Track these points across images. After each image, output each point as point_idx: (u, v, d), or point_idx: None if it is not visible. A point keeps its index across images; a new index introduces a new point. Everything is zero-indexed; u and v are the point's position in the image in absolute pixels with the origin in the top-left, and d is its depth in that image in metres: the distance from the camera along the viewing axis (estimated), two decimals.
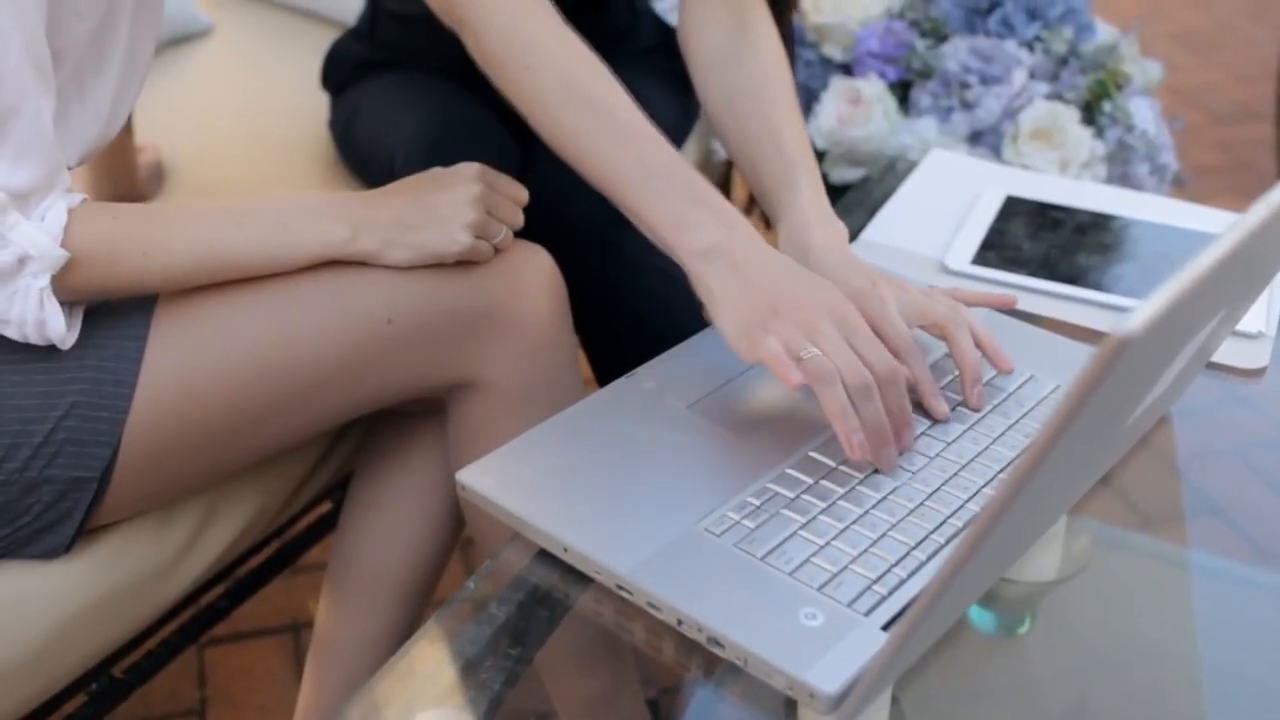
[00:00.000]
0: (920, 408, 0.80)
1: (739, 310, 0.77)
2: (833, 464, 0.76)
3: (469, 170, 0.89)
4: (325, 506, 1.18)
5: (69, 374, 0.80)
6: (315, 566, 1.52)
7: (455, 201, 0.86)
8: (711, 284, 0.79)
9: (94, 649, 0.88)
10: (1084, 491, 0.76)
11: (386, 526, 1.00)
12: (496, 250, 0.89)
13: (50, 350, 0.80)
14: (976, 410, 0.81)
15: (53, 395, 0.79)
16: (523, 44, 0.85)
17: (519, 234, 0.93)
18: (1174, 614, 0.76)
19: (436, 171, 0.89)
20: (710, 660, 0.66)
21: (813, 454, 0.77)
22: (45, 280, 0.76)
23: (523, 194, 0.91)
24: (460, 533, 1.05)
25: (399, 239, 0.85)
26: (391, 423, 1.03)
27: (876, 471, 0.75)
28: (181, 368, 0.82)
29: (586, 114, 0.84)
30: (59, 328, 0.78)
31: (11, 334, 0.78)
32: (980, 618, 0.74)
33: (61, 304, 0.78)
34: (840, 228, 0.91)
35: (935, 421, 0.80)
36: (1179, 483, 0.85)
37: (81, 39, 0.80)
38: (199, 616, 1.06)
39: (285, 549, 1.15)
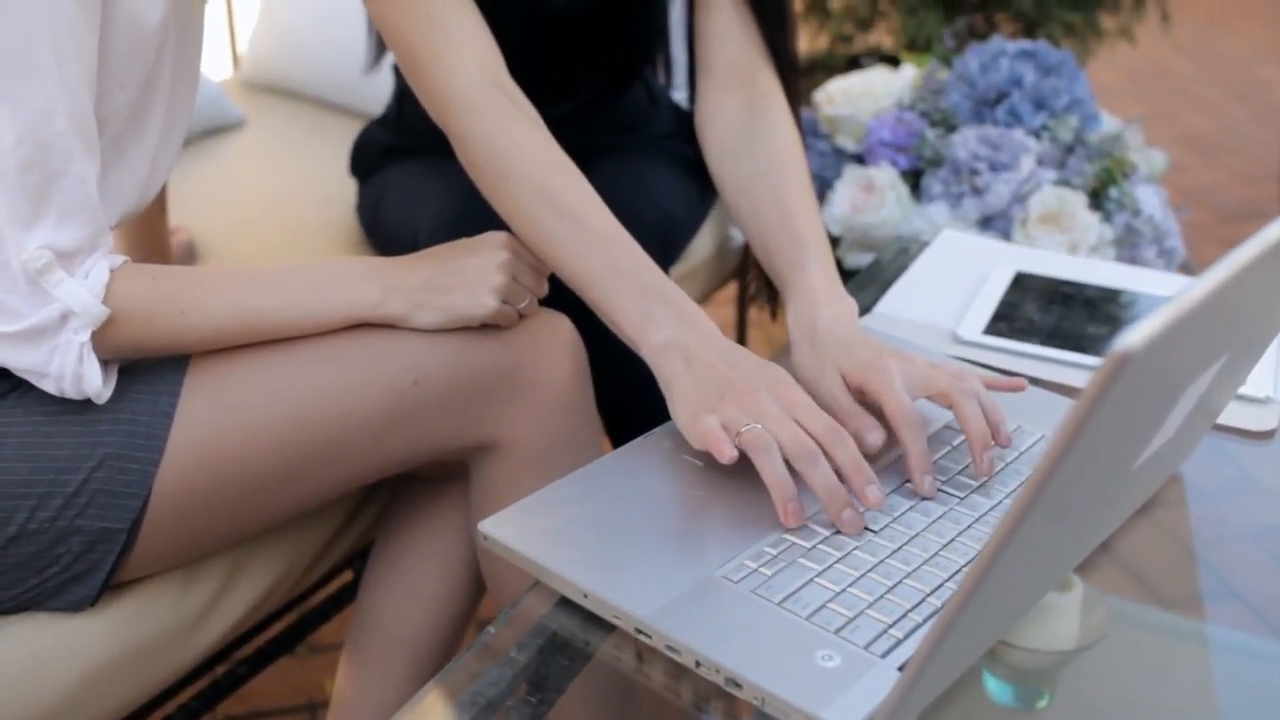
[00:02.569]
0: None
1: (690, 399, 0.81)
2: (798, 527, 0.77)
3: (496, 238, 0.92)
4: (346, 577, 1.19)
5: (103, 426, 0.82)
6: (332, 647, 1.53)
7: (483, 267, 0.89)
8: (668, 377, 0.83)
9: (115, 706, 0.89)
10: (1096, 542, 0.77)
11: (407, 589, 1.01)
12: (521, 316, 0.92)
13: (85, 403, 0.82)
14: (986, 475, 0.82)
15: (86, 446, 0.81)
16: (500, 155, 0.91)
17: (542, 302, 0.96)
18: (1195, 689, 0.76)
19: (465, 240, 0.93)
20: (728, 702, 0.67)
21: None
22: (86, 336, 0.79)
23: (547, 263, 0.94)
24: (480, 599, 1.05)
25: (428, 301, 0.88)
26: (414, 488, 1.04)
27: (867, 531, 0.76)
28: (212, 423, 0.84)
29: (559, 219, 0.89)
30: (95, 382, 0.80)
31: (49, 388, 0.80)
32: (999, 690, 0.75)
33: (98, 361, 0.80)
34: (850, 305, 0.93)
35: (921, 498, 0.80)
36: (1194, 563, 0.85)
37: (123, 106, 0.83)
38: (218, 682, 1.07)
39: (306, 618, 1.15)
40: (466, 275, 0.89)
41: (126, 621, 0.88)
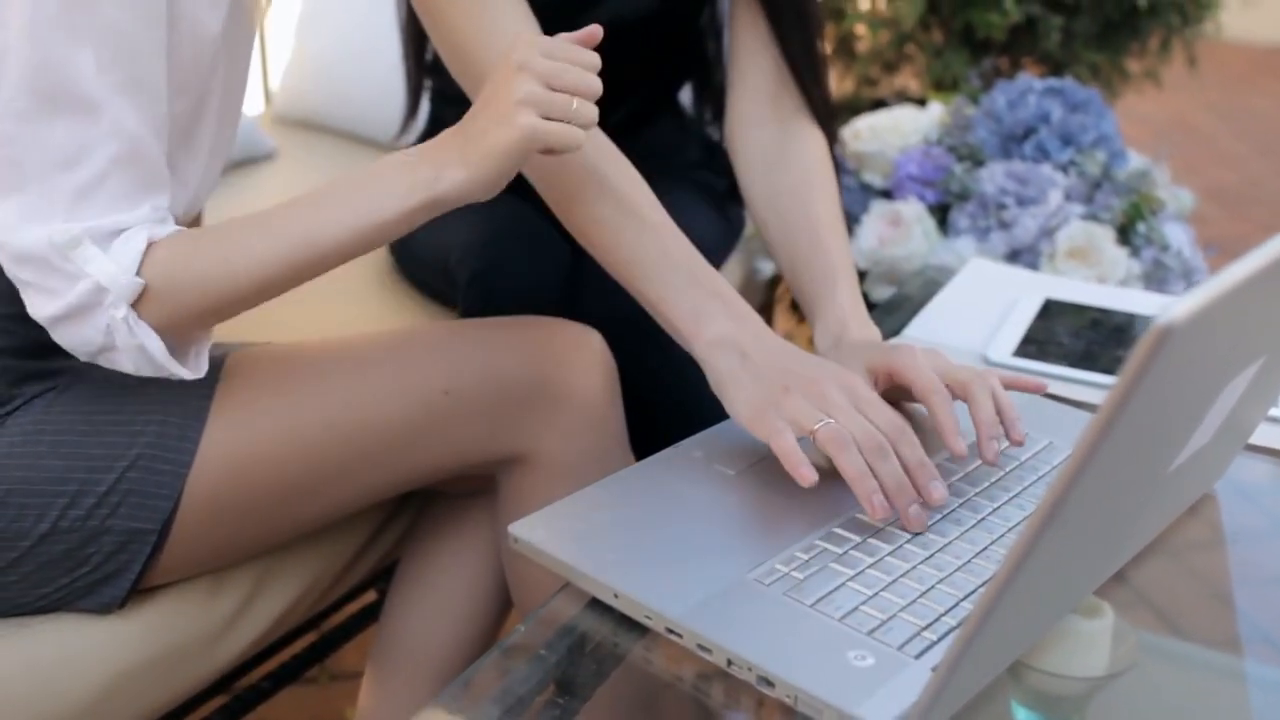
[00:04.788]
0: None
1: (750, 393, 0.81)
2: (880, 524, 0.77)
3: (511, 52, 0.80)
4: (369, 598, 1.18)
5: (137, 427, 0.82)
6: (353, 675, 1.52)
7: (503, 85, 0.79)
8: (722, 373, 0.83)
9: (141, 711, 0.88)
10: (1131, 551, 0.76)
11: (433, 604, 1.01)
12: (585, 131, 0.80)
13: (120, 403, 0.83)
14: (992, 464, 0.81)
15: (120, 446, 0.82)
16: None
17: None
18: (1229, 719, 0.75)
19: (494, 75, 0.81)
20: (757, 703, 0.66)
21: (860, 516, 0.78)
22: (123, 310, 0.76)
23: (587, 56, 0.82)
24: (505, 617, 1.05)
25: (471, 152, 0.79)
26: (441, 504, 1.04)
27: (899, 535, 0.76)
28: (245, 427, 0.84)
29: (613, 207, 0.89)
30: (158, 347, 0.78)
31: (129, 368, 0.79)
32: None
33: (172, 344, 0.79)
34: (875, 331, 0.94)
35: (955, 458, 0.81)
36: (1226, 606, 0.84)
37: (179, 116, 0.84)
38: (241, 696, 1.06)
39: (328, 636, 1.15)
40: (492, 106, 0.78)
41: (154, 626, 0.88)
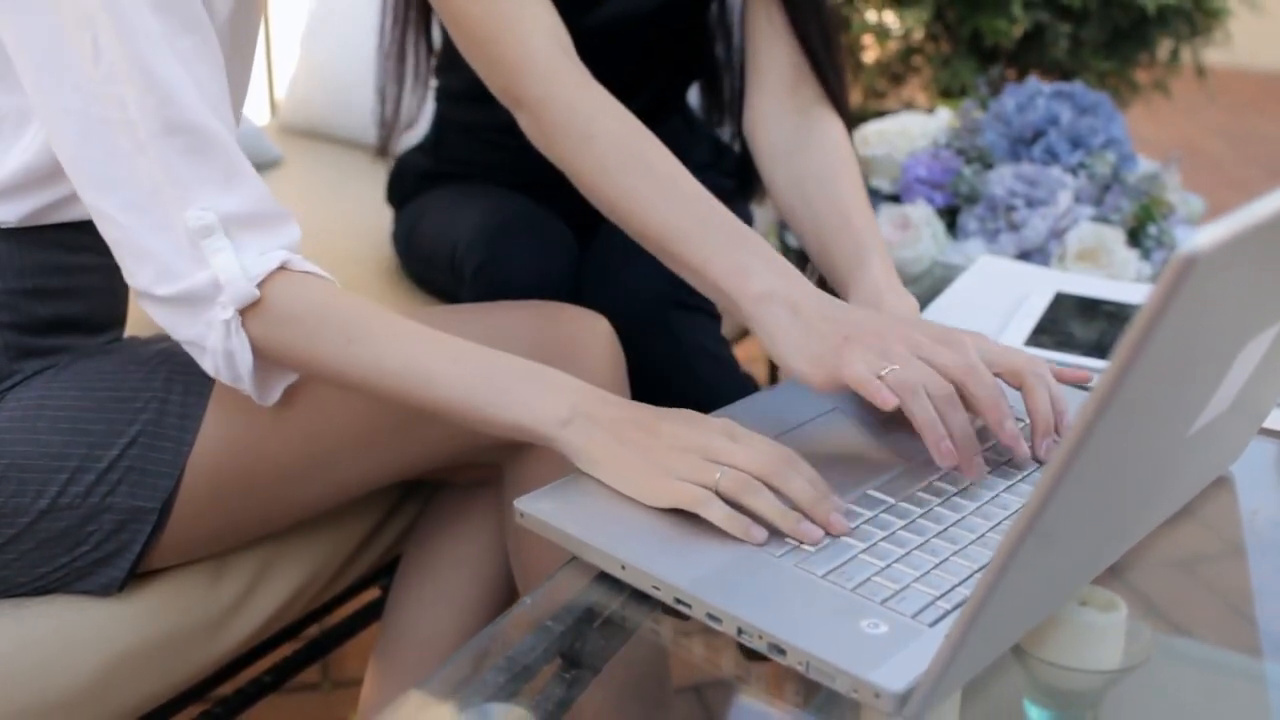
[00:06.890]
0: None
1: (807, 345, 0.79)
2: (892, 500, 0.75)
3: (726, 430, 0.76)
4: (371, 594, 1.17)
5: (139, 404, 0.81)
6: (355, 681, 1.50)
7: (693, 444, 0.74)
8: (772, 328, 0.81)
9: (141, 697, 0.87)
10: (1149, 524, 0.75)
11: (437, 595, 1.00)
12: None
13: (122, 380, 0.82)
14: (1042, 463, 0.80)
15: (121, 423, 0.81)
16: (584, 116, 0.91)
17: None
18: (1247, 715, 0.73)
19: (694, 412, 0.78)
20: (765, 674, 0.65)
21: (872, 492, 0.76)
22: (231, 312, 0.75)
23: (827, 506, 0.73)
24: (510, 605, 1.03)
25: (612, 464, 0.75)
26: (445, 495, 1.03)
27: (935, 508, 0.75)
28: (247, 407, 0.83)
29: (646, 177, 0.89)
30: (247, 361, 0.77)
31: (208, 367, 0.78)
32: (1040, 718, 0.73)
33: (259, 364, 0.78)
34: (912, 301, 0.93)
35: (1006, 460, 0.79)
36: (1242, 619, 0.82)
37: None
38: (242, 690, 1.05)
39: (330, 633, 1.13)
40: (659, 445, 0.73)
41: (154, 611, 0.86)
